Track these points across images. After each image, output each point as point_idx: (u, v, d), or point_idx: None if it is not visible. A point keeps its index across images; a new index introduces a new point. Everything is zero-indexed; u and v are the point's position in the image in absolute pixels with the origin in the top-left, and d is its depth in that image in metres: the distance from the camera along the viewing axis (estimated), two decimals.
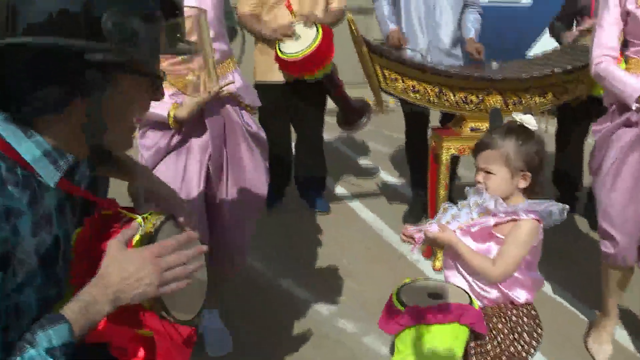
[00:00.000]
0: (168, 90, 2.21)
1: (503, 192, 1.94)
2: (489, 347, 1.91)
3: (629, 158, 2.39)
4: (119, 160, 1.57)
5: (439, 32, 3.79)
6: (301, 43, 3.64)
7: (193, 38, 1.90)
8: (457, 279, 1.98)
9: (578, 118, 3.91)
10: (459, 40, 3.86)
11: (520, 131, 1.94)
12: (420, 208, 4.03)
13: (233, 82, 2.29)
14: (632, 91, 2.35)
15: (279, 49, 3.67)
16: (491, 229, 1.92)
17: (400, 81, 3.13)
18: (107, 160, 1.53)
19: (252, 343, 2.71)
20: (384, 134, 6.25)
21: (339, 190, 4.70)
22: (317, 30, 3.62)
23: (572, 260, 3.47)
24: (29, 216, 1.13)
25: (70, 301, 1.14)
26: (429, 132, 3.79)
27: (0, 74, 1.09)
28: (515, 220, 1.90)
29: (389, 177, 5.05)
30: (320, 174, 4.29)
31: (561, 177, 4.16)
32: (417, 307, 1.79)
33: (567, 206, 1.91)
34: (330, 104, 4.13)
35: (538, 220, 1.90)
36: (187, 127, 2.27)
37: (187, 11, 1.31)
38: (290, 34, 3.65)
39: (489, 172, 1.95)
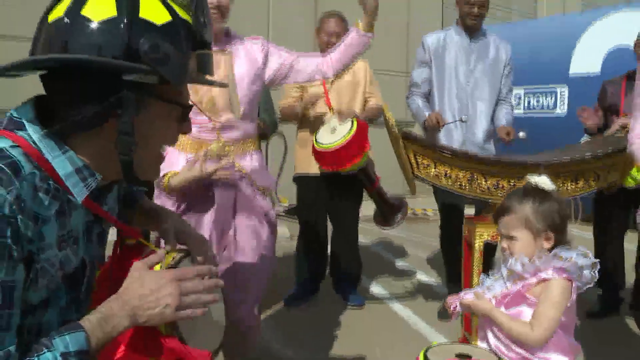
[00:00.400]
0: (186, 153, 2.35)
1: (529, 255, 1.92)
2: None
3: None
4: (146, 205, 1.65)
5: (473, 127, 3.91)
6: (336, 135, 3.77)
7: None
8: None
9: (614, 214, 3.88)
10: (491, 135, 3.96)
11: (536, 193, 1.96)
12: None
13: (228, 169, 2.36)
14: None
15: (315, 140, 3.80)
16: (523, 292, 1.89)
17: (433, 167, 3.19)
18: (134, 202, 1.61)
19: None
20: (421, 240, 6.27)
21: (375, 287, 4.66)
22: (352, 124, 3.76)
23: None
24: (56, 226, 1.17)
25: (89, 313, 1.17)
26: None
27: (46, 90, 1.19)
28: (545, 280, 1.88)
29: (425, 277, 4.99)
30: (355, 268, 4.28)
31: (603, 277, 4.04)
32: None
33: (597, 261, 1.88)
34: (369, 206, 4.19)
35: (569, 279, 1.87)
36: (198, 196, 2.36)
37: (216, 52, 1.42)
38: (320, 112, 3.81)
39: (511, 238, 1.95)
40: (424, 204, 8.11)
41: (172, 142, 1.35)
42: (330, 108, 3.93)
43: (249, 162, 2.46)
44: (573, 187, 3.26)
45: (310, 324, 3.82)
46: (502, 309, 1.91)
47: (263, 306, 3.93)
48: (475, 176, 3.19)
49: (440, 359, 1.80)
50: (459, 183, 3.20)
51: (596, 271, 1.89)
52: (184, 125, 1.34)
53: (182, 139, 2.36)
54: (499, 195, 3.19)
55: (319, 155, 3.84)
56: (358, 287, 4.37)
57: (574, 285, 1.88)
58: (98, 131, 1.20)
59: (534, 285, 1.89)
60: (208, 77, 1.34)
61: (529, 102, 7.65)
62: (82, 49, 1.13)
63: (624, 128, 3.46)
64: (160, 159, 1.36)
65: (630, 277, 3.72)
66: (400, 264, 5.46)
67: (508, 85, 4.11)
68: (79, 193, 1.21)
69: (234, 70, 2.39)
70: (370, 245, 6.12)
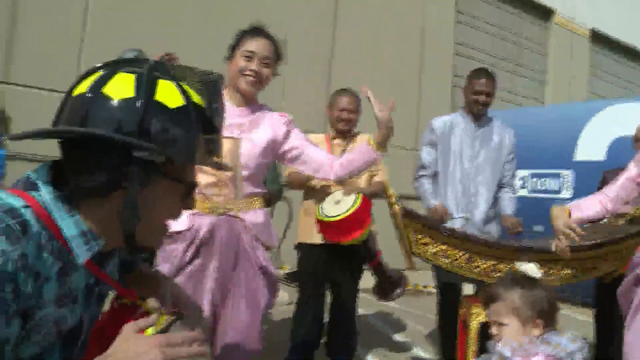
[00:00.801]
0: None
1: (518, 341, 1.97)
2: None
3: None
4: (144, 271, 1.71)
5: (474, 211, 4.00)
6: (340, 207, 3.86)
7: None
8: None
9: (615, 302, 3.90)
10: (491, 218, 4.05)
11: (524, 280, 2.02)
12: None
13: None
14: None
15: (319, 211, 3.89)
16: None
17: (432, 246, 3.25)
18: (132, 267, 1.67)
19: None
20: (421, 314, 6.25)
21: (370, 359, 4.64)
22: (356, 197, 3.85)
23: None
24: (56, 285, 1.24)
25: None
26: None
27: (63, 155, 1.29)
28: None
29: (422, 352, 4.96)
30: (351, 339, 4.28)
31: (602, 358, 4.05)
32: None
33: (585, 344, 1.92)
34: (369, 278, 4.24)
35: None
36: (202, 249, 2.45)
37: (225, 137, 1.51)
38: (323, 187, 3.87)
39: (501, 324, 2.00)
40: (426, 280, 8.11)
41: (175, 216, 1.42)
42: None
43: (253, 217, 2.54)
44: (572, 272, 3.31)
45: None
46: None
47: None
48: (473, 258, 3.25)
49: None
50: (457, 263, 3.26)
51: (586, 351, 1.92)
52: (188, 202, 1.42)
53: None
54: (495, 278, 3.25)
55: (322, 225, 3.92)
56: (353, 358, 4.35)
57: None
58: (105, 200, 1.28)
59: None
60: (215, 159, 1.43)
61: (534, 184, 7.76)
62: (100, 124, 1.23)
63: (625, 217, 3.53)
64: (164, 230, 1.42)
65: None
66: (397, 337, 5.43)
67: (512, 170, 4.22)
68: (81, 254, 1.28)
69: (254, 135, 2.54)
70: (369, 316, 6.10)
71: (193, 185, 1.42)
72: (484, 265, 3.24)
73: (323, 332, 4.31)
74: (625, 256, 3.38)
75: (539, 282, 2.03)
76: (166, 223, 1.41)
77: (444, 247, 3.26)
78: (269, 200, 3.90)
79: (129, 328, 1.28)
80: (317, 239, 4.06)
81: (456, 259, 3.26)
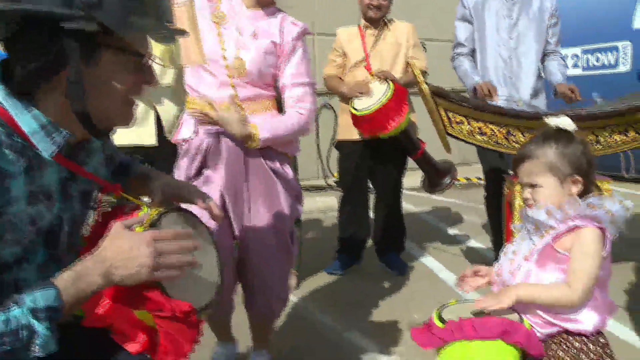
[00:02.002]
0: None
1: (555, 202, 1.71)
2: None
3: None
4: (139, 171, 1.62)
5: (519, 85, 3.66)
6: (372, 99, 3.61)
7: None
8: None
9: None
10: (539, 91, 3.70)
11: (558, 135, 1.74)
12: None
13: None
14: None
15: (352, 106, 3.65)
16: (553, 245, 1.67)
17: (466, 124, 2.97)
18: (128, 169, 1.59)
19: None
20: (476, 207, 6.00)
21: (422, 255, 4.47)
22: (389, 87, 3.58)
23: None
24: (23, 181, 1.17)
25: (64, 270, 1.15)
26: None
27: (7, 53, 1.19)
28: (575, 230, 1.66)
29: (476, 243, 4.76)
30: (398, 235, 4.12)
31: None
32: (457, 322, 1.58)
33: (629, 202, 1.65)
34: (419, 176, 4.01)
35: (601, 229, 1.65)
36: (209, 158, 2.27)
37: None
38: (366, 91, 3.63)
39: (534, 186, 1.73)
40: (478, 172, 7.80)
41: (136, 92, 1.31)
42: (371, 74, 3.74)
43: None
44: (622, 139, 2.98)
45: (350, 292, 3.70)
46: (533, 267, 1.70)
47: (304, 275, 3.86)
48: (512, 132, 2.95)
49: (454, 317, 1.63)
50: (495, 139, 2.98)
51: (630, 210, 1.66)
52: (145, 75, 1.30)
53: (195, 100, 2.26)
54: None
55: (356, 120, 3.69)
56: (403, 254, 4.21)
57: (607, 235, 1.66)
58: (55, 87, 1.19)
59: (563, 235, 1.67)
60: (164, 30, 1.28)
61: (587, 61, 7.20)
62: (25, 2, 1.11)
63: None
64: (129, 107, 1.31)
65: None
66: (452, 231, 5.24)
67: (556, 35, 3.79)
68: (46, 149, 1.21)
69: (259, 40, 2.26)
70: (422, 214, 5.92)
71: (139, 54, 1.27)
72: (524, 139, 2.94)
73: (369, 230, 4.15)
74: None
75: (574, 136, 1.75)
76: (128, 99, 1.29)
77: (479, 124, 2.97)
78: None
79: (117, 225, 1.23)
80: (355, 135, 3.84)
81: (494, 134, 2.97)
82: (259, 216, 2.31)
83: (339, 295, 3.64)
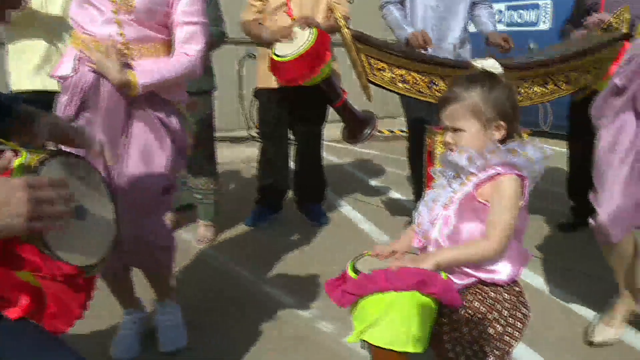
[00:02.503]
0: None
1: (477, 148, 1.63)
2: (464, 329, 1.57)
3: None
4: (22, 111, 1.40)
5: (447, 34, 3.58)
6: (295, 45, 3.44)
7: None
8: None
9: (588, 122, 3.59)
10: (465, 40, 3.64)
11: (484, 78, 1.65)
12: None
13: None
14: None
15: (274, 53, 3.48)
16: (474, 194, 1.60)
17: (388, 71, 2.87)
18: (8, 111, 1.38)
19: (224, 343, 2.43)
20: (398, 158, 5.99)
21: (343, 206, 4.42)
22: (312, 33, 3.43)
23: (585, 269, 3.10)
24: None
25: None
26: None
27: None
28: (494, 178, 1.59)
29: (396, 194, 4.75)
30: (318, 185, 4.03)
31: (575, 187, 3.81)
32: (369, 274, 1.50)
33: (549, 149, 1.60)
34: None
35: (520, 176, 1.59)
36: (89, 99, 2.07)
37: None
38: (288, 35, 3.46)
39: (457, 130, 1.65)
40: (403, 125, 7.81)
41: None
42: (293, 19, 3.56)
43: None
44: (541, 91, 2.96)
45: (270, 244, 3.60)
46: (452, 216, 1.62)
47: (223, 227, 3.73)
48: (435, 81, 2.88)
49: (367, 268, 1.55)
50: (417, 88, 2.89)
51: (545, 156, 1.61)
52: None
53: (79, 35, 2.05)
54: None
55: (277, 67, 3.52)
56: (325, 206, 4.13)
57: (526, 183, 1.61)
58: None
59: (483, 183, 1.60)
60: None
61: (510, 17, 7.26)
62: None
63: (602, 25, 3.11)
64: None
65: None
66: (373, 182, 5.20)
67: None
68: None
69: None
70: (343, 165, 5.87)
71: None
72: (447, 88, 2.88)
73: (289, 181, 4.04)
74: (600, 68, 3.02)
75: (500, 80, 1.67)
76: None
77: (401, 72, 2.87)
78: (211, 46, 3.45)
79: None
80: (275, 83, 3.67)
81: (416, 84, 2.89)
82: (133, 167, 2.13)
83: (258, 247, 3.54)
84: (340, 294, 1.53)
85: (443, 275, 1.53)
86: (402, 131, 7.67)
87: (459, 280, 1.58)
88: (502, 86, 1.64)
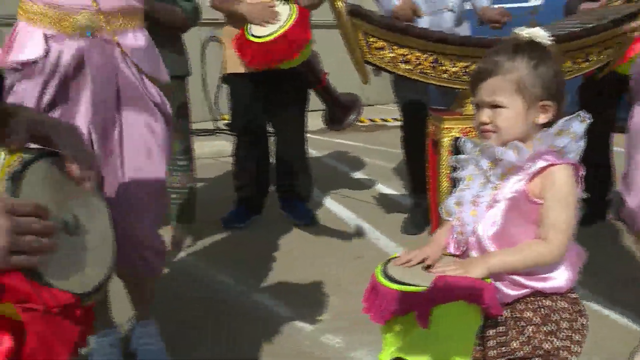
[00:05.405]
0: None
1: (519, 132, 1.48)
2: (514, 344, 1.44)
3: None
4: None
5: (443, 8, 3.46)
6: (273, 24, 3.29)
7: None
8: None
9: (600, 106, 3.51)
10: (463, 18, 3.53)
11: (532, 49, 1.51)
12: (421, 214, 3.60)
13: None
14: None
15: (247, 31, 3.31)
16: (527, 192, 1.45)
17: (388, 50, 2.74)
18: None
19: None
20: (382, 149, 5.90)
21: (329, 203, 4.29)
22: (291, 9, 3.28)
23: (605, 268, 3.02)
24: None
25: None
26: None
27: None
28: (544, 170, 1.45)
29: (387, 189, 4.63)
30: (304, 181, 3.87)
31: (588, 179, 3.73)
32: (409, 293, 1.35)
33: (587, 115, 1.47)
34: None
35: (573, 164, 1.46)
36: (68, 84, 1.88)
37: None
38: (273, 18, 3.30)
39: (496, 107, 1.50)
40: (385, 113, 7.74)
41: None
42: None
43: (132, 41, 1.95)
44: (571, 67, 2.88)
45: (251, 247, 3.45)
46: (499, 217, 1.47)
47: (198, 230, 3.56)
48: (440, 60, 2.76)
49: (402, 275, 1.41)
50: (420, 68, 2.78)
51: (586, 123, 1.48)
52: None
53: (38, 9, 1.84)
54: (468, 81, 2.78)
55: (252, 50, 3.36)
56: (308, 203, 3.98)
57: (580, 171, 1.47)
58: None
59: (532, 178, 1.46)
60: None
61: None
62: None
63: None
64: None
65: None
66: (358, 175, 5.09)
67: None
68: None
69: None
70: (323, 158, 5.74)
71: None
72: (454, 69, 2.77)
73: (269, 177, 3.88)
74: (621, 44, 2.94)
75: (550, 53, 1.53)
76: None
77: (403, 50, 2.74)
78: (184, 26, 3.27)
79: None
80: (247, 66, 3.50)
81: (419, 64, 2.76)
82: (131, 157, 1.96)
83: (241, 252, 3.38)
84: (379, 310, 1.39)
85: (487, 280, 1.40)
86: (383, 120, 7.60)
87: (509, 291, 1.44)
88: (552, 61, 1.51)
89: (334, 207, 4.17)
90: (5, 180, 1.00)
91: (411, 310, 1.33)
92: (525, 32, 1.52)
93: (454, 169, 1.67)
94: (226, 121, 6.26)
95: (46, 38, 1.83)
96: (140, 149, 1.96)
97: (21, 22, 1.87)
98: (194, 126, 3.96)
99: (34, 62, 1.83)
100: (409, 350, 1.36)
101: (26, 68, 1.84)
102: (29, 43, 1.84)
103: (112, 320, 2.27)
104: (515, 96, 1.48)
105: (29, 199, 0.99)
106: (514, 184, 1.45)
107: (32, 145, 1.19)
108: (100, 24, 1.85)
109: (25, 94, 1.84)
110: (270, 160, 3.88)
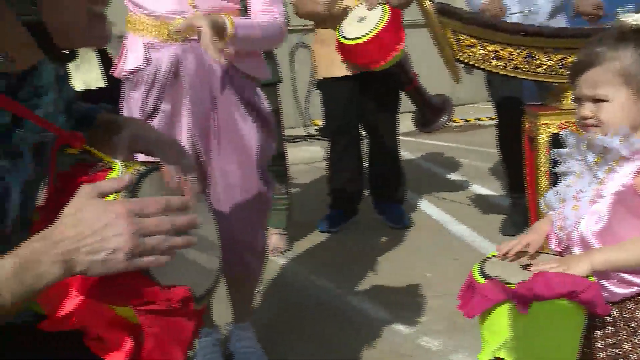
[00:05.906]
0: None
1: (624, 125, 1.44)
2: (626, 346, 1.39)
3: None
4: (105, 119, 1.30)
5: (537, 2, 3.39)
6: (364, 26, 3.32)
7: None
8: None
9: None
10: (559, 9, 3.44)
11: (638, 37, 1.46)
12: (520, 214, 3.52)
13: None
14: None
15: (339, 34, 3.36)
16: (634, 185, 1.41)
17: (479, 47, 2.71)
18: (92, 119, 1.29)
19: None
20: (477, 149, 5.81)
21: (424, 205, 4.27)
22: (383, 11, 3.30)
23: None
24: None
25: (4, 256, 0.88)
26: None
27: None
28: None
29: (483, 189, 4.56)
30: (397, 184, 3.88)
31: None
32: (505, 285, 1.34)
33: None
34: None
35: None
36: (166, 90, 1.97)
37: None
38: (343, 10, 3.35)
39: (599, 100, 1.45)
40: (478, 112, 7.61)
41: (100, 3, 1.03)
42: None
43: None
44: None
45: (347, 251, 3.49)
46: (604, 213, 1.43)
47: (294, 235, 3.63)
48: (534, 54, 2.70)
49: (499, 272, 1.41)
50: (513, 64, 2.72)
51: None
52: None
53: (139, 19, 1.95)
54: (566, 75, 2.70)
55: (346, 52, 3.42)
56: (403, 205, 3.98)
57: None
58: None
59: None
60: None
61: None
62: None
63: None
64: (97, 16, 1.03)
65: None
66: (453, 176, 5.04)
67: None
68: None
69: None
70: (416, 160, 5.71)
71: None
72: (550, 62, 2.70)
73: (363, 181, 3.92)
74: None
75: None
76: (91, 13, 1.01)
77: (495, 46, 2.71)
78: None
79: (85, 190, 0.96)
80: (340, 70, 3.56)
81: (512, 59, 2.71)
82: (227, 158, 2.04)
83: (336, 256, 3.43)
84: (472, 305, 1.39)
85: (590, 278, 1.37)
86: (477, 119, 7.48)
87: (616, 289, 1.41)
88: None
89: (429, 209, 4.15)
90: (125, 193, 1.06)
91: (508, 301, 1.31)
92: (632, 18, 1.46)
93: (555, 163, 1.63)
94: (317, 126, 6.35)
95: (146, 47, 1.94)
96: (237, 150, 2.04)
97: (129, 33, 2.00)
98: (286, 132, 4.05)
99: (137, 71, 1.95)
100: (510, 350, 1.35)
101: (133, 77, 1.96)
102: (133, 53, 1.96)
103: (212, 320, 2.37)
104: (619, 87, 1.42)
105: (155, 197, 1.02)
106: (621, 178, 1.41)
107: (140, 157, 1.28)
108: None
109: (134, 103, 1.97)
110: (363, 163, 3.92)
